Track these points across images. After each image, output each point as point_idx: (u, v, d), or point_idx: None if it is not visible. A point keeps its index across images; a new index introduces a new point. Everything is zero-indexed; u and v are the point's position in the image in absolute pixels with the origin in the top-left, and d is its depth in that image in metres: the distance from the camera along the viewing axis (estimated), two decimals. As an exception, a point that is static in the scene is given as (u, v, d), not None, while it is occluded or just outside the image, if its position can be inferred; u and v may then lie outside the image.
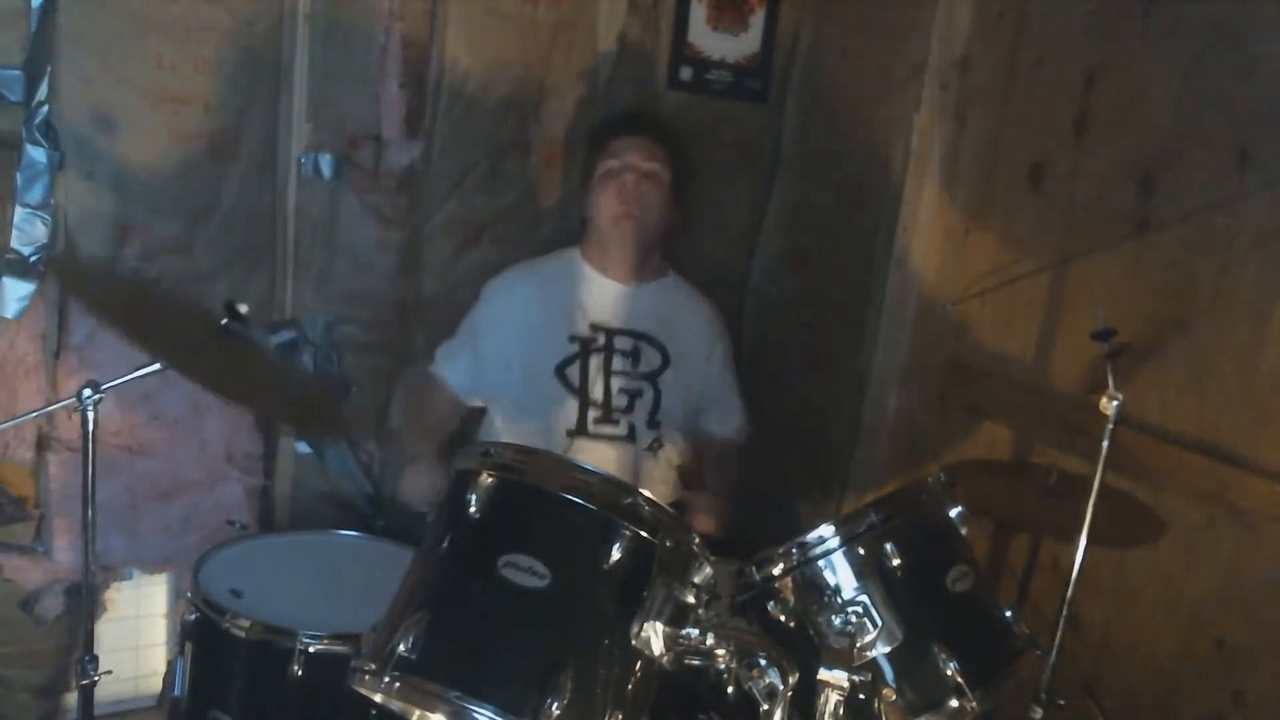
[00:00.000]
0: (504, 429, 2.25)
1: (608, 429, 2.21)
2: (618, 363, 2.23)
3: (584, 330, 2.23)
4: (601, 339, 2.23)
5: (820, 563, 1.49)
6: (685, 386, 2.30)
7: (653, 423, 2.25)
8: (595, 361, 2.22)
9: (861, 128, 2.66)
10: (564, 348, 2.21)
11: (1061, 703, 1.78)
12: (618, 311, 2.25)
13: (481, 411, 2.34)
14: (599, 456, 2.19)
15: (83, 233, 2.11)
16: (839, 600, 1.47)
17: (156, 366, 1.64)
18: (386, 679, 1.28)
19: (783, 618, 1.51)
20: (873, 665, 1.46)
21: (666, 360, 2.27)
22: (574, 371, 2.21)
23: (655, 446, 2.25)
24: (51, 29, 2.00)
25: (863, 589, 1.47)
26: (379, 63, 2.31)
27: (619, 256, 2.24)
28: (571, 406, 2.20)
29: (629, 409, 2.23)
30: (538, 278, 2.28)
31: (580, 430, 2.20)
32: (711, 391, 2.37)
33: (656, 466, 2.27)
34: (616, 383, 2.23)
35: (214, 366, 1.73)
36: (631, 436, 2.23)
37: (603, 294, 2.25)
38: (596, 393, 2.21)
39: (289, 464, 2.45)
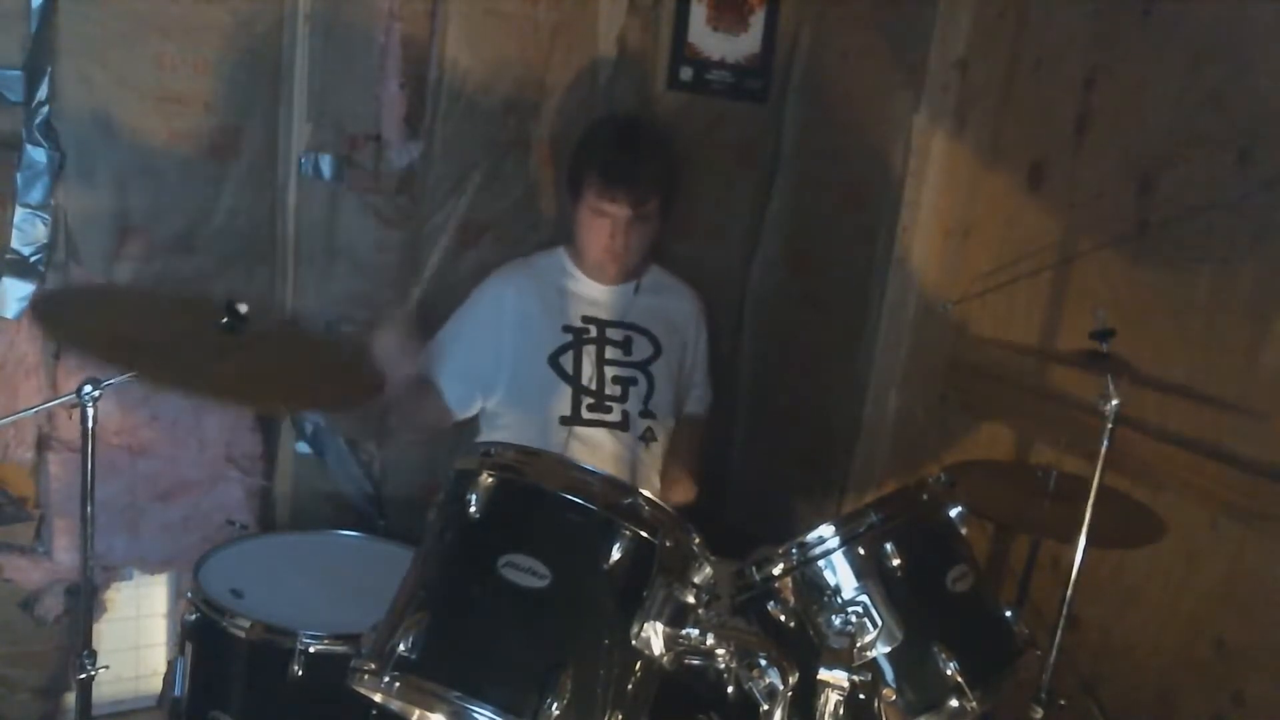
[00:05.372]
0: (500, 418, 2.26)
1: (601, 416, 2.23)
2: (610, 352, 2.26)
3: (576, 322, 2.26)
4: (594, 330, 2.26)
5: (820, 563, 1.49)
6: (676, 373, 2.36)
7: (647, 411, 2.27)
8: (588, 351, 2.25)
9: (861, 128, 2.66)
10: (557, 337, 2.23)
11: (1062, 702, 1.78)
12: (608, 308, 2.29)
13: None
14: (595, 444, 2.21)
15: (83, 233, 2.11)
16: (839, 600, 1.47)
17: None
18: (386, 679, 1.28)
19: (783, 618, 1.51)
20: (873, 665, 1.46)
21: (658, 349, 2.30)
22: (568, 360, 2.23)
23: (649, 436, 2.27)
24: (51, 29, 2.01)
25: (863, 589, 1.47)
26: (379, 63, 2.32)
27: (604, 275, 2.28)
28: (565, 394, 2.22)
29: (623, 397, 2.25)
30: (527, 275, 2.30)
31: (574, 417, 2.21)
32: (694, 372, 2.44)
33: (652, 457, 2.28)
34: (610, 371, 2.25)
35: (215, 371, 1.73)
36: (625, 424, 2.25)
37: (591, 293, 2.29)
38: (589, 380, 2.23)
39: (289, 464, 2.45)
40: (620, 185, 2.16)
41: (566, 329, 2.24)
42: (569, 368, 2.22)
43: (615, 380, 2.25)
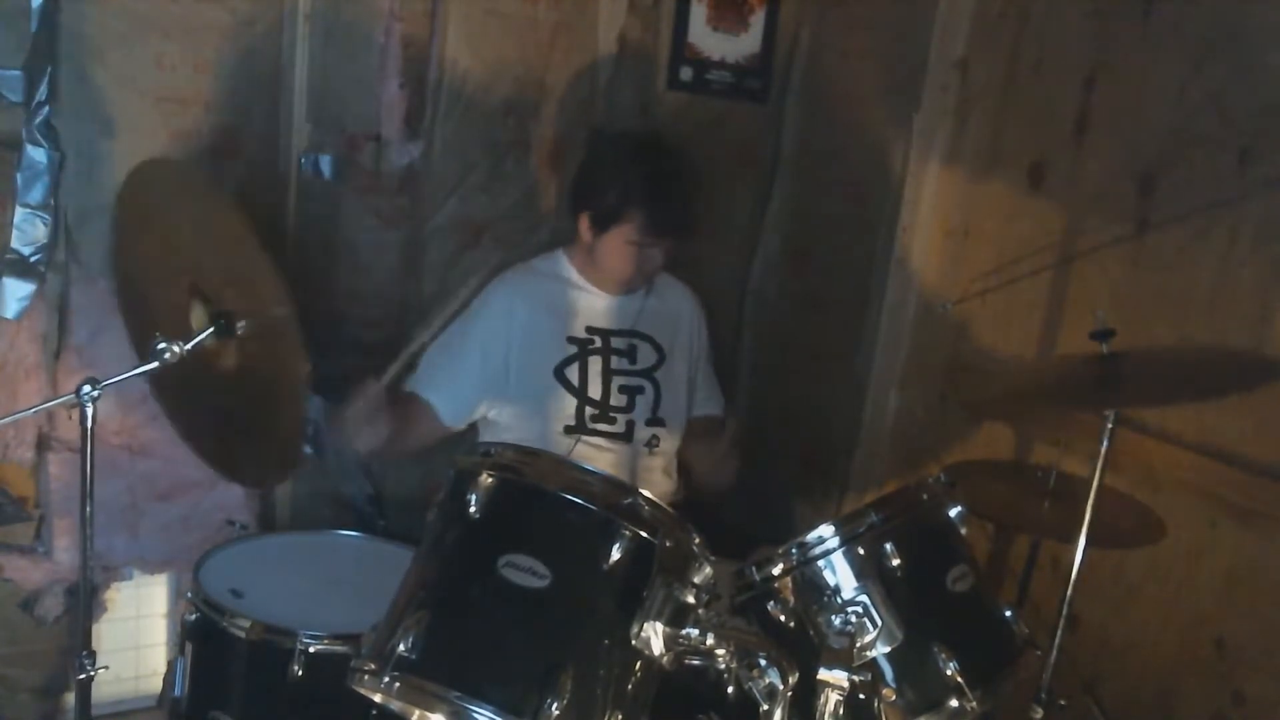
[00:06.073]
0: (502, 427, 2.25)
1: (604, 427, 2.22)
2: (615, 361, 2.25)
3: (580, 333, 2.24)
4: (598, 341, 2.25)
5: (820, 563, 1.49)
6: (684, 375, 2.35)
7: (654, 420, 2.26)
8: (594, 362, 2.23)
9: (861, 128, 2.66)
10: (562, 349, 2.22)
11: (1062, 703, 1.78)
12: (611, 316, 2.28)
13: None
14: (596, 454, 2.21)
15: (82, 233, 2.11)
16: (839, 600, 1.47)
17: (156, 365, 1.64)
18: (386, 679, 1.28)
19: (783, 618, 1.51)
20: (873, 665, 1.46)
21: (662, 356, 2.30)
22: (573, 371, 2.22)
23: (653, 443, 2.26)
24: (52, 29, 2.00)
25: (862, 589, 1.47)
26: (379, 63, 2.32)
27: (615, 287, 2.27)
28: (569, 405, 2.21)
29: (629, 407, 2.24)
30: (533, 284, 2.27)
31: (578, 428, 2.21)
32: (700, 374, 2.42)
33: (654, 464, 2.28)
34: (616, 381, 2.24)
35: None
36: (629, 434, 2.24)
37: (596, 302, 2.27)
38: (594, 391, 2.22)
39: (289, 464, 2.44)
40: (668, 229, 2.17)
41: (571, 340, 2.23)
42: (574, 379, 2.22)
43: (622, 390, 2.24)
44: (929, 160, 2.50)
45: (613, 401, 2.23)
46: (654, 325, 2.31)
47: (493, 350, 2.21)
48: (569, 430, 2.21)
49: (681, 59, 2.66)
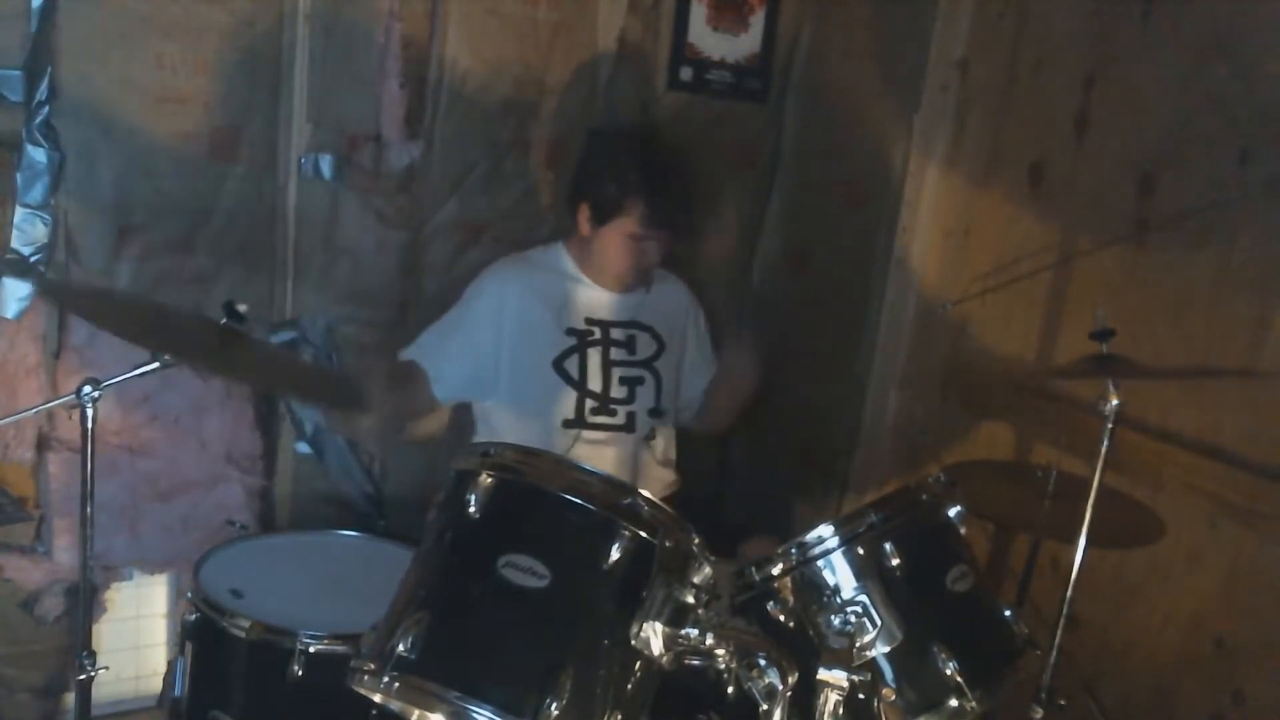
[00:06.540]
0: (500, 422, 2.25)
1: (605, 419, 2.23)
2: (615, 353, 2.25)
3: (580, 325, 2.24)
4: (597, 332, 2.25)
5: (820, 563, 1.49)
6: (678, 366, 2.36)
7: (656, 410, 2.28)
8: (594, 354, 2.23)
9: (861, 128, 2.66)
10: (560, 341, 2.22)
11: (1062, 703, 1.78)
12: (611, 308, 2.28)
13: (468, 408, 2.33)
14: (598, 447, 2.21)
15: (83, 233, 2.11)
16: (838, 600, 1.47)
17: (156, 365, 1.64)
18: (386, 679, 1.28)
19: (782, 618, 1.51)
20: (872, 665, 1.46)
21: (662, 346, 2.31)
22: (572, 364, 2.22)
23: (650, 436, 2.26)
24: (52, 29, 2.01)
25: (862, 589, 1.47)
26: (379, 63, 2.32)
27: (614, 283, 2.27)
28: (569, 398, 2.21)
29: (629, 398, 2.24)
30: (527, 274, 2.26)
31: (577, 422, 2.21)
32: (697, 354, 2.44)
33: (653, 457, 2.28)
34: (616, 373, 2.24)
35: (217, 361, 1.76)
36: (630, 426, 2.24)
37: (593, 296, 2.27)
38: (595, 384, 2.22)
39: (289, 464, 2.45)
40: (666, 221, 2.18)
41: (570, 332, 2.23)
42: (574, 372, 2.21)
43: (622, 381, 2.25)
44: (929, 160, 2.51)
45: (613, 394, 2.23)
46: (653, 316, 2.32)
47: (481, 339, 2.20)
48: (568, 424, 2.20)
49: (681, 59, 2.66)
